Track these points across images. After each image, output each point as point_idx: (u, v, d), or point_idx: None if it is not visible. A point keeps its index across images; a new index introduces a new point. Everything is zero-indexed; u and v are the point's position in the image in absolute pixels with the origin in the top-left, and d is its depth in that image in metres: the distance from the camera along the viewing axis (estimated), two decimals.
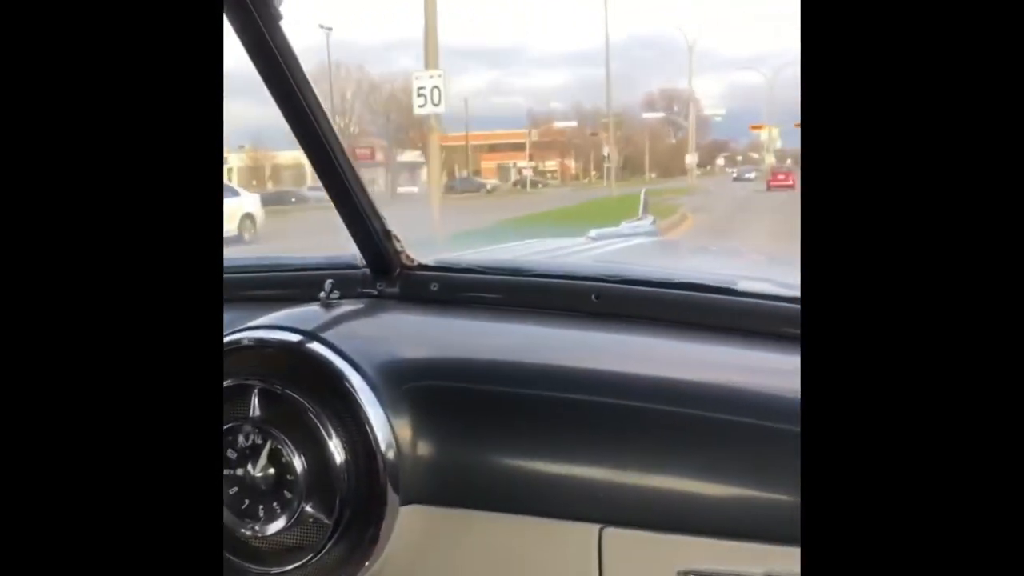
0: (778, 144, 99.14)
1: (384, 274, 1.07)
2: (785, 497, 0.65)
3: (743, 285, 0.92)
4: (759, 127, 57.04)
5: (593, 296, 0.95)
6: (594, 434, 0.71)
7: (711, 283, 0.93)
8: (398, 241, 1.07)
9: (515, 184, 60.62)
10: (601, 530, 0.69)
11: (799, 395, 0.64)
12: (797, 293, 0.78)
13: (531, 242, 1.58)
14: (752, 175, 55.04)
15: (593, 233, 1.60)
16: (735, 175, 55.88)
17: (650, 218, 2.01)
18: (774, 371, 0.81)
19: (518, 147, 70.29)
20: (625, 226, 1.84)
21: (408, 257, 1.08)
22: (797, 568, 0.56)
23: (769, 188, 34.88)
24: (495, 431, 0.76)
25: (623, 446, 0.70)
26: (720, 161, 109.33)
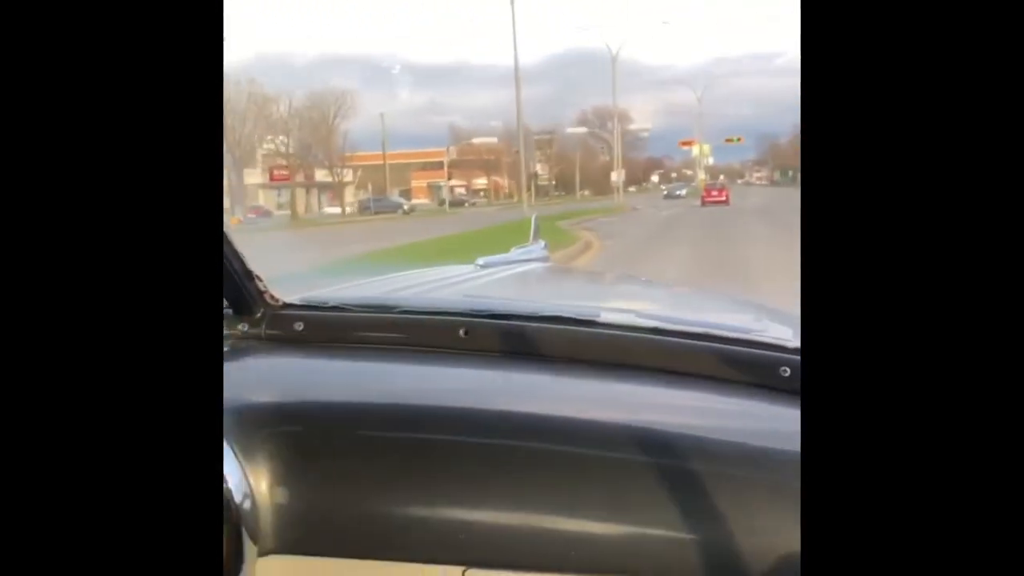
0: (709, 160, 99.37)
1: (247, 315, 1.02)
2: (648, 531, 0.66)
3: (605, 317, 0.93)
4: (689, 143, 55.12)
5: (461, 331, 0.94)
6: (455, 474, 0.71)
7: (574, 316, 0.93)
8: (260, 280, 1.02)
9: (441, 203, 57.92)
10: (464, 572, 0.68)
11: (662, 428, 0.70)
12: (658, 324, 0.89)
13: (418, 272, 1.50)
14: (683, 192, 53.48)
15: (481, 261, 1.56)
16: (666, 192, 54.05)
17: (541, 243, 1.88)
18: (637, 405, 0.82)
19: (472, 165, 67.66)
20: (515, 252, 1.77)
21: (272, 296, 1.03)
22: None
23: (704, 204, 34.79)
24: (356, 475, 0.74)
25: (484, 485, 0.70)
26: (655, 178, 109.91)
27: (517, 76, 26.17)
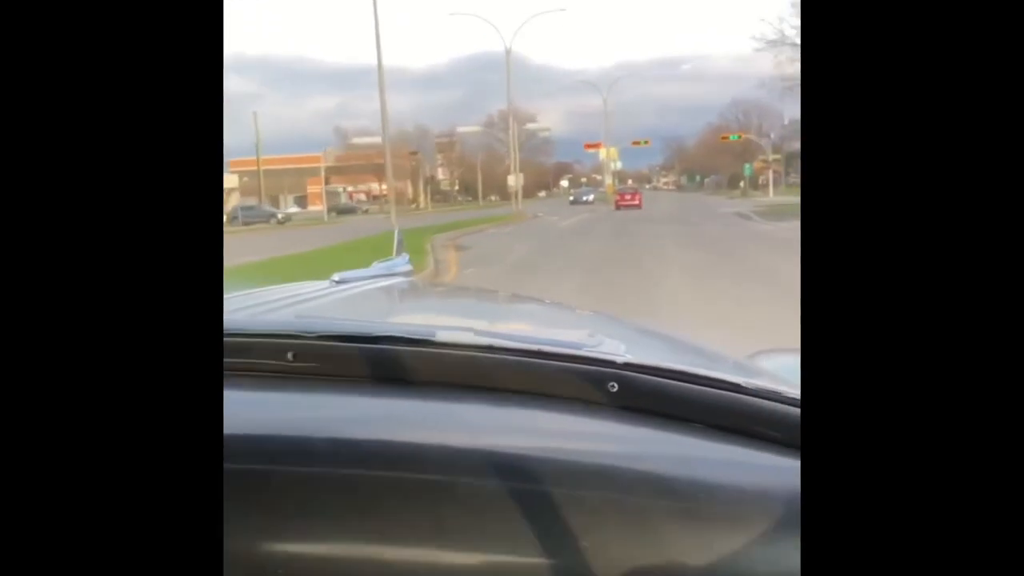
0: (618, 165, 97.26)
1: None
2: (463, 555, 0.65)
3: (440, 336, 0.91)
4: (595, 146, 51.80)
5: (289, 355, 0.90)
6: (266, 505, 0.68)
7: (408, 335, 0.91)
8: None
9: (331, 211, 53.02)
10: None
11: (482, 448, 0.70)
12: (492, 342, 0.88)
13: (268, 289, 1.45)
14: (591, 197, 49.79)
15: (337, 276, 1.50)
16: (572, 198, 50.28)
17: (405, 257, 1.80)
18: (465, 425, 0.81)
19: (361, 169, 62.46)
20: (376, 267, 1.70)
21: None
22: None
23: (617, 207, 34.91)
24: None
25: (301, 516, 0.67)
26: (564, 183, 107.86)
27: (380, 64, 21.89)
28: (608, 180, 46.46)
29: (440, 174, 71.91)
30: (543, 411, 0.81)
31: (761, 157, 59.87)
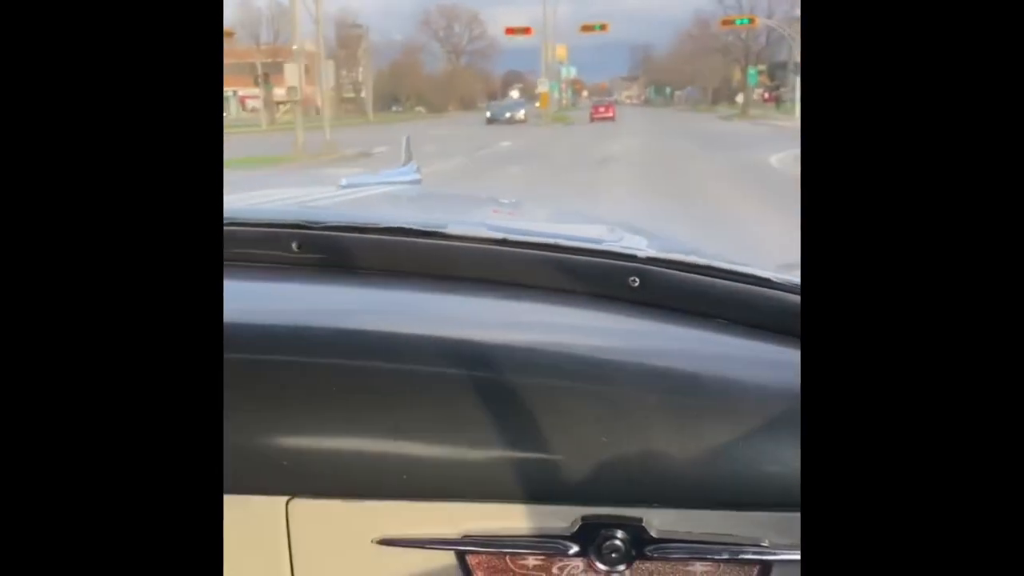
0: (571, 72, 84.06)
1: None
2: (475, 452, 0.62)
3: (452, 229, 0.88)
4: (521, 31, 38.09)
5: (294, 244, 0.88)
6: (273, 396, 0.65)
7: (418, 227, 0.88)
8: None
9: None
10: (288, 502, 0.64)
11: (496, 342, 0.69)
12: (506, 236, 0.84)
13: (271, 191, 1.43)
14: (520, 113, 35.01)
15: (344, 181, 1.47)
16: (490, 114, 35.75)
17: (413, 165, 1.80)
18: (478, 320, 0.78)
19: (245, 69, 48.22)
20: (384, 173, 1.71)
21: None
22: (493, 525, 0.62)
23: (592, 120, 34.33)
24: None
25: (306, 408, 0.65)
26: (515, 93, 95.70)
27: None
28: (543, 88, 32.82)
29: (346, 78, 57.83)
30: (559, 305, 0.79)
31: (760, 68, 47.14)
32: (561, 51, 46.38)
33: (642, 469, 0.61)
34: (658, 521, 0.61)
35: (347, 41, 54.84)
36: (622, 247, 0.85)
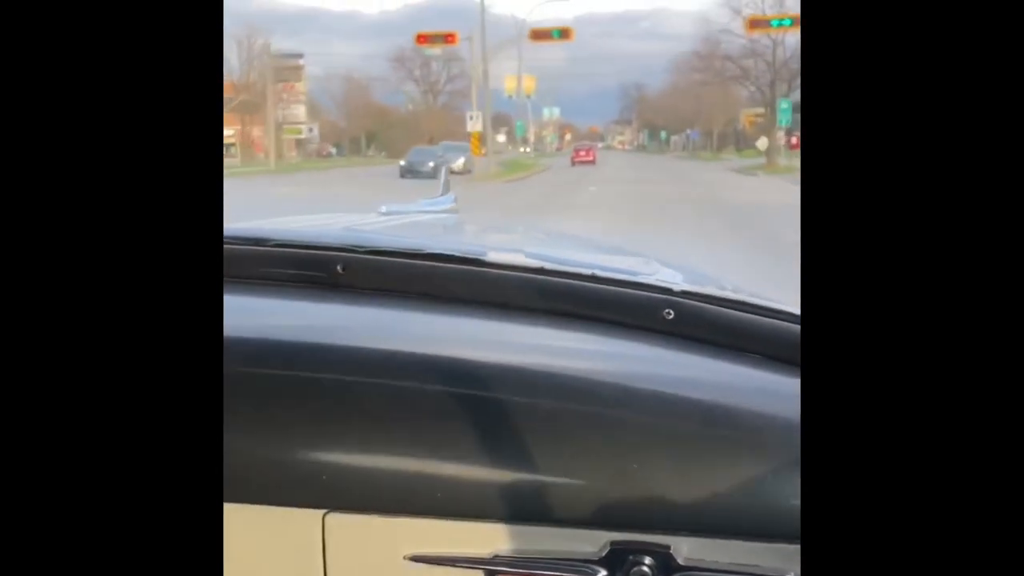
0: (555, 113, 76.04)
1: None
2: (510, 474, 0.64)
3: (491, 256, 0.90)
4: (445, 39, 28.34)
5: (339, 267, 0.89)
6: (315, 413, 0.68)
7: (459, 254, 0.90)
8: None
9: None
10: (325, 515, 0.66)
11: (534, 367, 0.71)
12: (543, 264, 0.86)
13: (314, 216, 1.49)
14: (459, 161, 25.56)
15: (384, 208, 1.53)
16: (404, 163, 25.12)
17: (451, 195, 1.85)
18: (513, 345, 0.80)
19: None
20: (423, 203, 1.77)
21: None
22: (523, 546, 0.63)
23: (573, 164, 35.33)
24: None
25: (346, 425, 0.67)
26: (502, 138, 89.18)
27: None
28: (474, 126, 22.49)
29: (301, 116, 49.13)
30: (595, 335, 0.80)
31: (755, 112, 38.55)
32: (529, 83, 37.79)
33: (672, 497, 0.62)
34: (686, 549, 0.62)
35: (284, 74, 46.25)
36: (658, 280, 0.87)
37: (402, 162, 25.04)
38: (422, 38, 24.16)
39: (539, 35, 23.39)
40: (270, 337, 0.77)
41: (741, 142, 45.30)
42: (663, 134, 67.68)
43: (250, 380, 0.70)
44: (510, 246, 1.07)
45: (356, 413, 0.67)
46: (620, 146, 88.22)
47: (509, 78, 35.79)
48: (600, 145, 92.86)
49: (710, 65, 36.46)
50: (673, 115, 59.39)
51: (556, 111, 71.06)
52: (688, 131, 56.53)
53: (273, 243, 0.92)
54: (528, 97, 38.51)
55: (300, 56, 48.29)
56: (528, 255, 0.90)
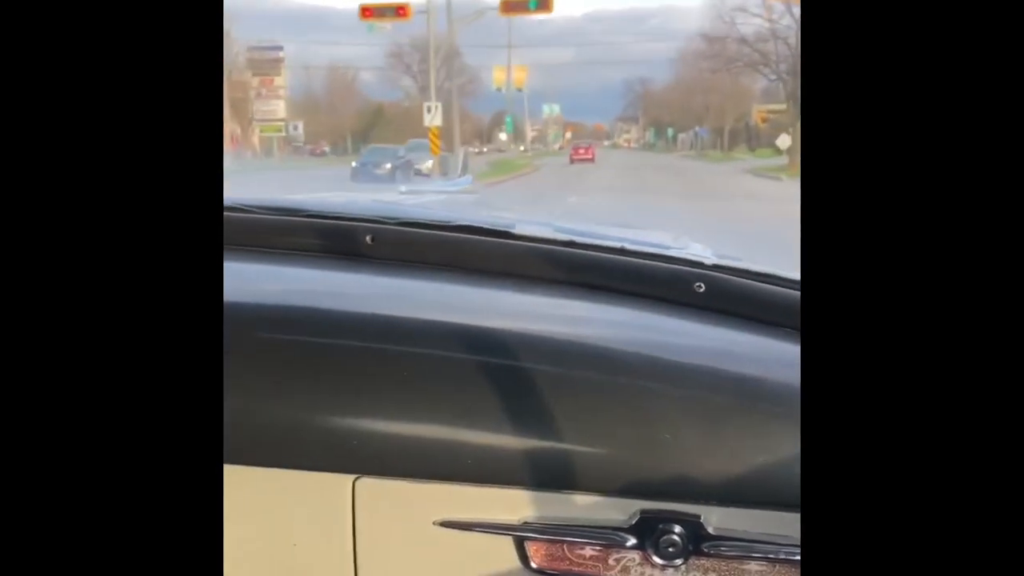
0: (555, 110, 72.64)
1: None
2: (540, 442, 0.65)
3: (520, 229, 0.91)
4: (395, 11, 24.65)
5: (368, 238, 0.91)
6: (348, 379, 0.69)
7: (488, 226, 0.92)
8: None
9: None
10: (355, 480, 0.67)
11: (564, 337, 0.71)
12: (573, 237, 0.88)
13: (336, 194, 1.50)
14: (427, 163, 22.08)
15: (404, 188, 1.60)
16: (356, 165, 21.25)
17: (468, 176, 1.72)
18: (543, 316, 0.81)
19: None
20: (440, 183, 1.60)
21: None
22: (552, 513, 0.63)
23: (572, 162, 35.66)
24: (247, 379, 0.70)
25: (378, 392, 0.68)
26: (503, 135, 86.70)
27: None
28: (432, 120, 19.25)
29: (280, 112, 45.79)
30: (625, 307, 0.81)
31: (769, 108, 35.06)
32: (519, 74, 34.40)
33: (702, 466, 0.62)
34: (716, 518, 0.62)
35: (261, 67, 42.98)
36: (688, 253, 0.86)
37: (354, 163, 21.42)
38: (367, 11, 20.49)
39: (512, 7, 19.70)
40: (302, 304, 0.78)
41: (754, 140, 41.75)
42: (670, 131, 64.17)
43: (282, 347, 0.70)
44: (538, 220, 1.06)
45: (386, 380, 0.67)
46: (626, 144, 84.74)
47: (497, 69, 32.45)
48: (606, 143, 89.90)
49: (722, 51, 32.56)
50: (680, 111, 55.93)
51: (556, 108, 67.74)
52: (696, 128, 52.85)
53: (305, 214, 0.94)
54: (519, 90, 35.12)
55: (279, 48, 44.94)
56: (557, 229, 0.90)
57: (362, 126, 52.61)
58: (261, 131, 44.81)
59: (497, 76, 32.70)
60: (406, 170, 19.32)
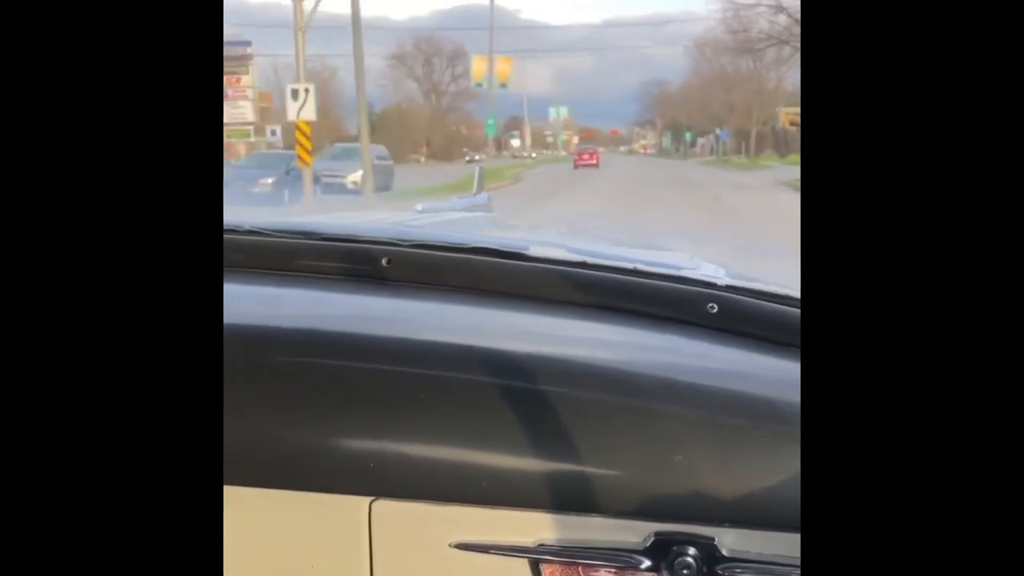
0: (562, 113, 67.95)
1: None
2: (555, 464, 0.65)
3: (534, 250, 0.91)
4: None
5: (384, 261, 0.91)
6: (364, 402, 0.69)
7: (502, 248, 0.92)
8: None
9: None
10: (372, 502, 0.67)
11: (577, 359, 0.72)
12: (586, 258, 0.89)
13: (351, 214, 1.55)
14: (355, 175, 16.16)
15: (420, 207, 1.60)
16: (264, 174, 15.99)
17: (485, 194, 1.96)
18: (556, 337, 0.82)
19: None
20: (456, 201, 1.84)
21: None
22: (567, 535, 0.64)
23: (576, 167, 35.59)
24: (264, 401, 0.71)
25: (394, 414, 0.68)
26: (516, 142, 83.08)
27: None
28: (305, 114, 14.45)
29: (248, 115, 41.35)
30: (638, 328, 0.81)
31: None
32: (503, 66, 29.41)
33: (716, 489, 0.62)
34: (730, 540, 0.63)
35: (228, 65, 38.38)
36: (701, 274, 0.87)
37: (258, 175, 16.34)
38: None
39: None
40: (319, 328, 0.79)
41: (784, 146, 36.62)
42: (688, 135, 59.06)
43: (299, 370, 0.71)
44: (551, 241, 1.05)
45: (402, 403, 0.68)
46: (643, 150, 79.91)
47: (478, 60, 27.43)
48: (623, 149, 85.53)
49: (746, 43, 27.49)
50: (700, 113, 50.78)
51: (564, 111, 62.92)
52: (718, 131, 47.60)
53: (321, 236, 0.94)
54: (502, 86, 30.19)
55: (247, 44, 40.40)
56: (570, 250, 0.91)
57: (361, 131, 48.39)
58: (228, 136, 40.46)
59: (477, 69, 27.76)
60: (303, 185, 13.96)
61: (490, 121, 32.03)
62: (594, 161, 37.55)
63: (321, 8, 13.53)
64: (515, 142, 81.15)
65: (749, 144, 41.62)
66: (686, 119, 57.80)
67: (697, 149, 57.05)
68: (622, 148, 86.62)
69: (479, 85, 28.88)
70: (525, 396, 0.67)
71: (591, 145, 53.55)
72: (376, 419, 0.67)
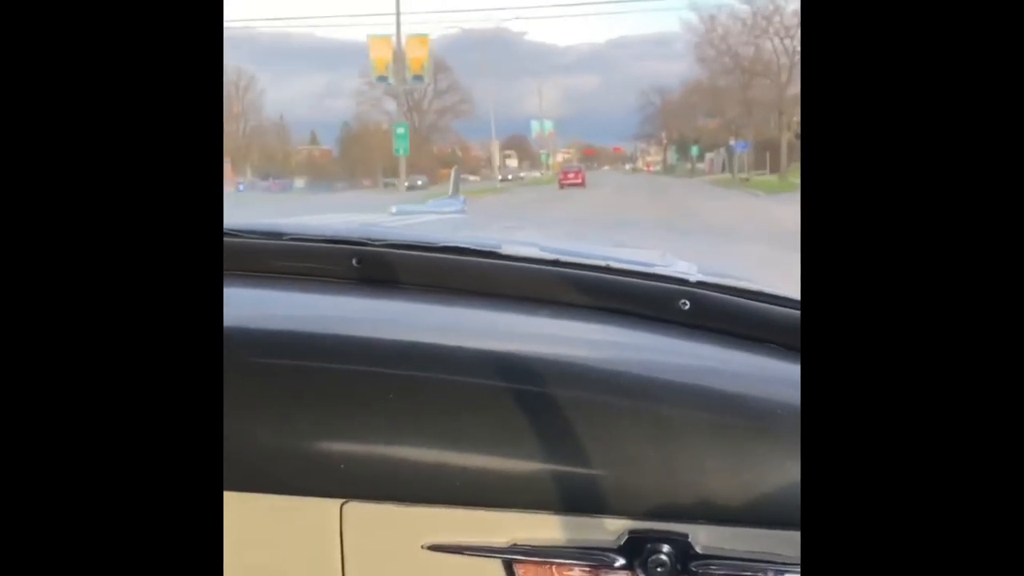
0: (547, 126, 62.07)
1: None
2: (527, 463, 0.65)
3: (506, 249, 0.92)
4: None
5: (354, 260, 0.92)
6: (334, 403, 0.69)
7: (474, 247, 0.93)
8: None
9: None
10: (343, 505, 0.67)
11: (548, 357, 0.71)
12: (558, 256, 0.89)
13: (326, 216, 1.58)
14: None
15: (394, 209, 1.84)
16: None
17: (460, 198, 1.75)
18: (527, 335, 0.81)
19: None
20: (431, 204, 1.70)
21: None
22: (541, 535, 0.64)
23: (561, 187, 34.90)
24: (233, 403, 0.68)
25: (364, 415, 0.68)
26: (512, 162, 76.16)
27: None
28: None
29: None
30: (610, 325, 0.81)
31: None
32: (416, 49, 20.70)
33: (689, 486, 0.62)
34: (704, 538, 0.63)
35: None
36: (673, 271, 0.87)
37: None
38: None
39: None
40: (288, 329, 0.78)
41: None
42: (695, 149, 50.60)
43: (268, 371, 0.70)
44: (524, 240, 1.06)
45: (373, 403, 0.67)
46: (647, 168, 71.85)
47: (376, 43, 18.98)
48: (628, 167, 78.36)
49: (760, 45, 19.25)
50: (707, 122, 42.39)
51: (548, 125, 54.99)
52: (732, 141, 38.51)
53: (290, 237, 0.94)
54: (418, 78, 21.81)
55: None
56: (543, 248, 0.91)
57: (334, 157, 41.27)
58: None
59: (377, 57, 19.08)
60: None
61: (399, 130, 22.26)
62: (579, 180, 37.41)
63: None
64: (511, 162, 74.01)
65: (779, 157, 31.80)
66: (692, 131, 49.41)
67: (705, 165, 48.72)
68: (627, 166, 79.74)
69: (382, 79, 20.55)
70: (496, 395, 0.66)
71: (576, 164, 52.50)
72: (346, 420, 0.66)
